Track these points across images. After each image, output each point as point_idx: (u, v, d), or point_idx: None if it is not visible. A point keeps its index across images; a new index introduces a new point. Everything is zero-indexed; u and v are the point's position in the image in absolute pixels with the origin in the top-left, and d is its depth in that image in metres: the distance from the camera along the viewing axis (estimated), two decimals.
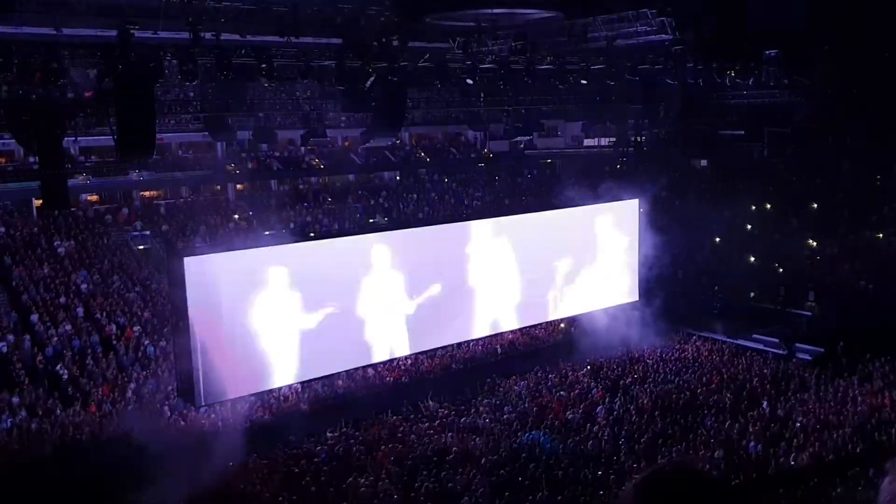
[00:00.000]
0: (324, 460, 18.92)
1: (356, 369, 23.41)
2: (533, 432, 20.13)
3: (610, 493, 16.65)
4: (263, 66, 20.58)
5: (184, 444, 18.29)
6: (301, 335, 21.50)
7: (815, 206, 32.40)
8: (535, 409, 21.92)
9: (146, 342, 23.08)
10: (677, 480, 1.90)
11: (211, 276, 19.36)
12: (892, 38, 26.98)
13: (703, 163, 38.51)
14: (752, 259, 31.23)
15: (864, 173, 32.05)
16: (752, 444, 19.10)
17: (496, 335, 26.68)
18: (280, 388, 21.85)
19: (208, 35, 19.05)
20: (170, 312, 22.11)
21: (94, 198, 30.88)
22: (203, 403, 20.09)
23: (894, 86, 27.77)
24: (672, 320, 27.92)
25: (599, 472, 17.76)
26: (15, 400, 19.78)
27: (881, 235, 30.43)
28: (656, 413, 21.21)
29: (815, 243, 31.24)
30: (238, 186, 33.62)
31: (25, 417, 19.37)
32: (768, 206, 33.27)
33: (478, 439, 19.75)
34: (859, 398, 21.46)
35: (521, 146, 38.67)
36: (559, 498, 16.41)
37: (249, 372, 20.42)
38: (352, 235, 27.74)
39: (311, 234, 29.14)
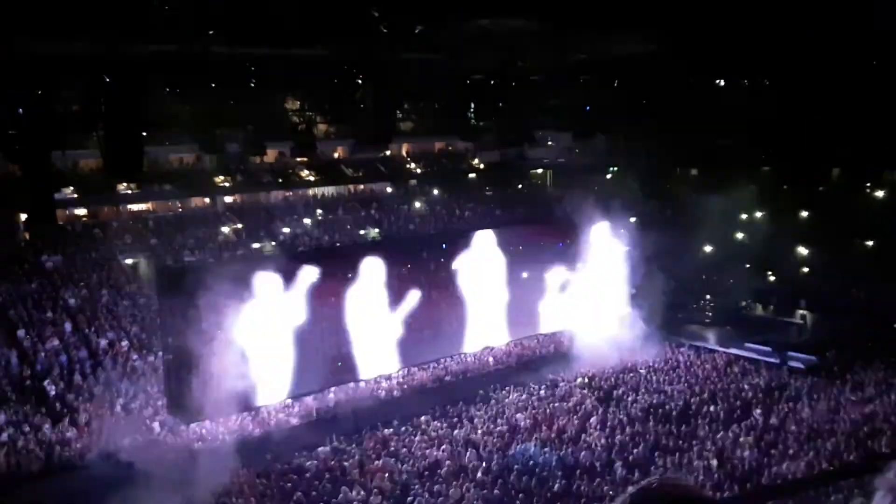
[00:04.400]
0: (315, 475, 18.73)
1: (348, 383, 23.30)
2: (525, 444, 20.01)
3: None
4: (253, 78, 20.55)
5: (174, 459, 18.10)
6: (292, 349, 21.38)
7: (806, 214, 32.53)
8: (528, 420, 21.81)
9: (135, 357, 22.87)
10: (666, 498, 1.83)
11: (200, 290, 19.22)
12: (880, 45, 27.14)
13: (694, 172, 38.63)
14: (744, 268, 31.28)
15: (854, 181, 32.21)
16: (746, 453, 19.05)
17: (489, 347, 26.61)
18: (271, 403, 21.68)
19: (197, 49, 19.03)
20: (158, 327, 21.97)
21: (82, 211, 30.68)
22: (193, 419, 19.94)
23: (883, 94, 27.92)
24: (664, 330, 27.91)
25: (593, 484, 17.65)
26: (1, 417, 19.54)
27: (871, 243, 30.55)
28: (650, 423, 21.14)
29: (805, 252, 31.34)
30: (227, 199, 33.48)
31: (12, 434, 19.13)
32: (759, 214, 33.38)
33: (471, 452, 19.61)
34: (851, 406, 21.47)
35: (512, 157, 38.75)
36: None
37: (241, 387, 20.26)
38: (342, 248, 27.71)
39: (301, 248, 29.04)
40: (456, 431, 21.22)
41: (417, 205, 36.09)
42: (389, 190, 37.88)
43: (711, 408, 22.04)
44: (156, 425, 20.27)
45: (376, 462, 19.26)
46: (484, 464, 18.88)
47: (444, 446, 19.98)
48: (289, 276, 21.66)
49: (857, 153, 30.74)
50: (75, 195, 29.23)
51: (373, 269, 23.61)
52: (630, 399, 23.09)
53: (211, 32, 20.99)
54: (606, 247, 27.70)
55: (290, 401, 22.10)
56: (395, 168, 37.77)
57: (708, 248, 32.61)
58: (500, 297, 26.32)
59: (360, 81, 21.55)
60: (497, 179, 39.68)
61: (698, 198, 33.93)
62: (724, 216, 32.04)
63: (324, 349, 22.39)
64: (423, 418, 22.26)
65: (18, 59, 19.32)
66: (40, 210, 19.13)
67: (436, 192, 37.68)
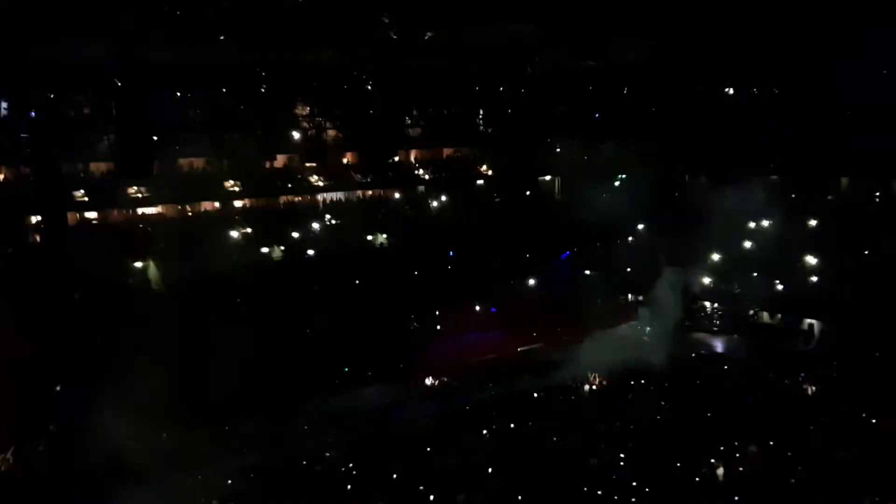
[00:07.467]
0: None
1: (357, 388, 23.36)
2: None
3: None
4: (263, 84, 20.61)
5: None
6: (302, 354, 21.48)
7: (814, 222, 32.45)
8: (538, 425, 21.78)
9: None
10: None
11: (211, 294, 19.33)
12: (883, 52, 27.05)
13: (703, 179, 38.54)
14: (752, 276, 31.21)
15: (863, 190, 32.13)
16: (754, 463, 18.99)
17: (501, 351, 26.61)
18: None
19: (208, 54, 19.09)
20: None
21: (93, 215, 30.70)
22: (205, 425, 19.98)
23: (890, 101, 27.82)
24: (672, 337, 27.84)
25: (604, 490, 17.63)
26: None
27: (879, 252, 30.41)
28: (657, 431, 21.09)
29: (815, 260, 31.25)
30: (237, 204, 33.49)
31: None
32: (767, 223, 33.29)
33: (481, 456, 19.59)
34: (865, 415, 21.41)
35: (521, 164, 38.63)
36: None
37: (254, 392, 20.33)
38: (351, 252, 27.78)
39: (310, 252, 29.05)
40: (465, 434, 21.19)
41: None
42: (397, 196, 37.85)
43: (719, 417, 21.99)
44: (166, 431, 20.27)
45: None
46: (495, 467, 18.87)
47: (452, 450, 19.96)
48: (299, 281, 21.76)
49: (866, 162, 30.64)
50: (86, 199, 29.28)
51: (381, 274, 23.70)
52: (638, 407, 23.04)
53: (222, 38, 21.04)
54: (615, 254, 27.69)
55: (297, 402, 22.06)
56: (403, 174, 37.74)
57: (716, 256, 32.53)
58: (511, 301, 26.37)
59: (369, 88, 21.56)
60: (505, 186, 39.56)
61: (707, 205, 33.91)
62: (733, 224, 31.94)
63: (334, 354, 22.47)
64: (432, 423, 22.24)
65: (29, 64, 19.41)
66: (51, 214, 19.26)
67: (444, 198, 37.64)
